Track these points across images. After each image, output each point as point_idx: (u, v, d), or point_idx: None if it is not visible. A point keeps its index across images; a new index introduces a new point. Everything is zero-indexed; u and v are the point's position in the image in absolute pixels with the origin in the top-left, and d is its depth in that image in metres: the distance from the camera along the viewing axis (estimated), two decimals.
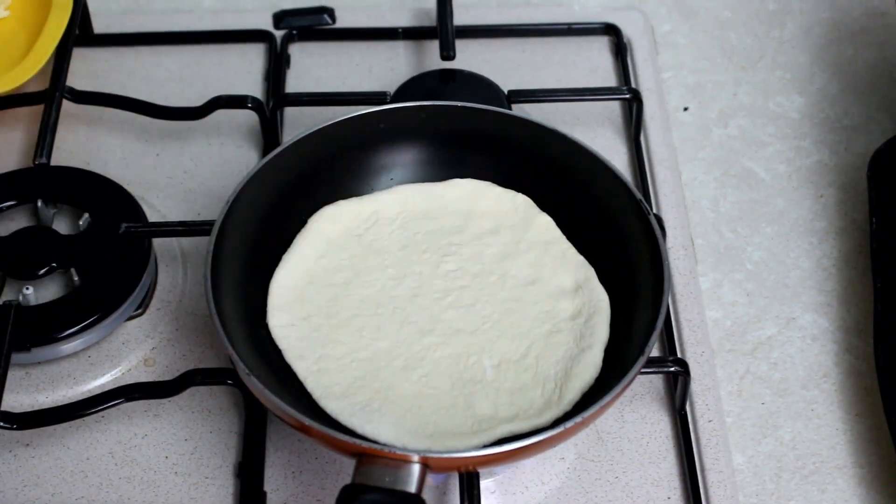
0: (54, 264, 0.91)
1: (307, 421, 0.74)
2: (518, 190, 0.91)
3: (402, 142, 0.92)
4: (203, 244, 0.83)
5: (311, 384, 0.81)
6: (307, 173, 0.90)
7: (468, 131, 0.92)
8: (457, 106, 0.92)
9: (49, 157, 0.97)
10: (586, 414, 0.75)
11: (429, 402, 0.80)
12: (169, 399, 0.87)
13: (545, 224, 0.90)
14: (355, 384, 0.81)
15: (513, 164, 0.92)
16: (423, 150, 0.92)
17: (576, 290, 0.86)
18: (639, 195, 0.86)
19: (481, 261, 0.88)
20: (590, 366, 0.82)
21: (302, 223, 0.89)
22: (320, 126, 0.90)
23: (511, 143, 0.91)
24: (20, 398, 0.88)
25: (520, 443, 0.75)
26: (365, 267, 0.88)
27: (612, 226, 0.87)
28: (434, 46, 1.06)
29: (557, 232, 0.90)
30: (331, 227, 0.89)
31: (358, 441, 0.74)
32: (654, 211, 0.98)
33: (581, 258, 0.88)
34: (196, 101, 1.03)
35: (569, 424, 0.75)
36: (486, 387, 0.81)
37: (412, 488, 0.72)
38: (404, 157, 0.92)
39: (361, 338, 0.84)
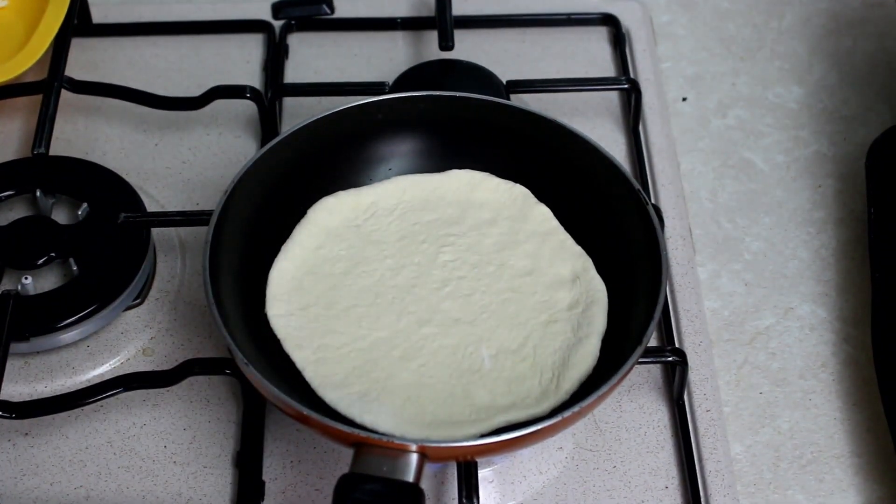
0: (53, 254, 0.91)
1: (305, 410, 0.74)
2: (516, 180, 0.91)
3: (400, 132, 0.92)
4: (201, 234, 0.83)
5: (309, 374, 0.81)
6: (305, 163, 0.90)
7: (467, 122, 0.92)
8: (455, 96, 0.92)
9: (48, 146, 0.97)
10: (584, 403, 0.75)
11: (427, 392, 0.80)
12: (167, 389, 0.87)
13: (543, 214, 0.90)
14: (353, 374, 0.81)
15: (511, 154, 0.92)
16: (422, 140, 0.92)
17: (573, 281, 0.86)
18: (637, 185, 0.86)
19: (479, 251, 0.88)
20: (587, 355, 0.82)
21: (300, 213, 0.89)
22: (318, 116, 0.90)
23: (509, 134, 0.91)
24: (19, 388, 0.88)
25: (518, 432, 0.75)
26: (363, 257, 0.88)
27: (611, 216, 0.87)
28: (433, 37, 1.05)
29: (555, 222, 0.90)
30: (329, 217, 0.89)
31: (356, 430, 0.75)
32: (653, 201, 0.98)
33: (579, 248, 0.88)
34: (195, 91, 1.03)
35: (566, 414, 0.75)
36: (483, 376, 0.81)
37: (410, 477, 0.72)
38: (403, 148, 0.92)
39: (360, 328, 0.84)
